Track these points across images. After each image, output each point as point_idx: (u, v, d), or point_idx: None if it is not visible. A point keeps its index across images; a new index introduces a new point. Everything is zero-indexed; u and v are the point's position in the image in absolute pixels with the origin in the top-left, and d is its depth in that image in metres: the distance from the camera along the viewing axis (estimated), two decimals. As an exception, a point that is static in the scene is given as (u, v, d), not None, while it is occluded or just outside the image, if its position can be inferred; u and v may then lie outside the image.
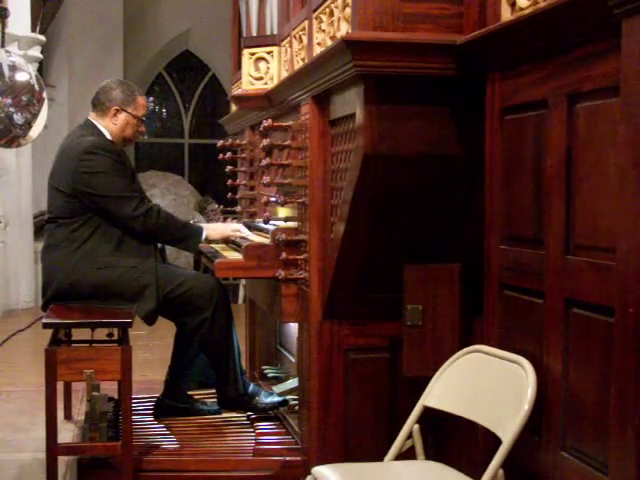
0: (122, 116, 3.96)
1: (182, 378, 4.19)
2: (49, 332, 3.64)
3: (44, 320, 3.55)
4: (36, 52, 7.95)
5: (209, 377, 4.20)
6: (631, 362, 1.84)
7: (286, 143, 3.40)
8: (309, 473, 2.60)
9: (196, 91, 11.38)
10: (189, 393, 4.24)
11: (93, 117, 3.99)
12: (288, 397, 3.99)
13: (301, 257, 3.31)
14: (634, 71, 1.79)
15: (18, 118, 7.14)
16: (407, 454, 2.62)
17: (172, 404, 4.13)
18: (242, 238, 3.95)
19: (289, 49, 3.65)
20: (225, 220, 4.68)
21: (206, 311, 3.84)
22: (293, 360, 4.08)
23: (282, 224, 3.59)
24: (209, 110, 11.29)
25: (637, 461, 1.83)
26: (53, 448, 3.38)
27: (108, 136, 3.94)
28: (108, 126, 3.96)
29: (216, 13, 9.56)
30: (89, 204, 3.81)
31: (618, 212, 1.89)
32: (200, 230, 3.99)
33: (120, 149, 3.98)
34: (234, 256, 3.74)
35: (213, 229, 4.06)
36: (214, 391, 4.16)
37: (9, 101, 7.04)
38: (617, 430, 1.90)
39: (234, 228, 4.08)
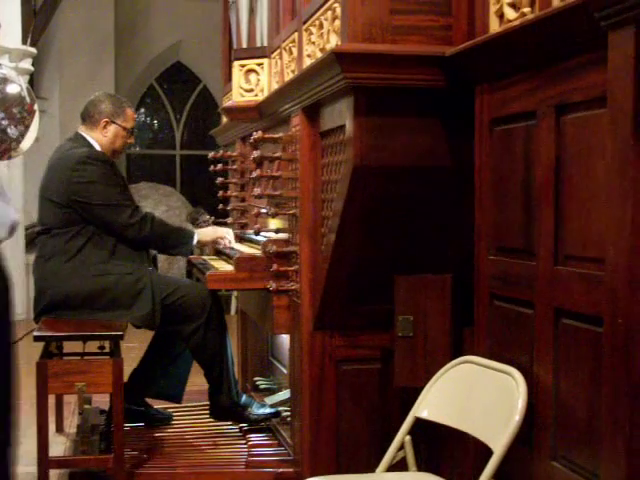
0: (112, 128, 3.99)
1: (148, 383, 4.19)
2: (41, 345, 3.63)
3: (35, 333, 3.54)
4: (27, 64, 7.94)
5: (175, 393, 4.23)
6: (620, 372, 1.84)
7: (276, 155, 3.41)
8: (301, 485, 2.60)
9: (187, 103, 11.39)
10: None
11: (83, 130, 4.02)
12: (280, 408, 3.98)
13: (292, 269, 3.32)
14: (620, 83, 1.80)
15: (12, 132, 7.12)
16: (399, 465, 2.62)
17: (127, 407, 4.12)
18: (232, 249, 3.97)
19: (279, 61, 3.66)
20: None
21: (200, 319, 3.84)
22: (285, 371, 4.08)
23: (273, 236, 3.60)
24: (200, 122, 11.30)
25: (627, 471, 1.83)
26: (45, 462, 3.37)
27: (98, 147, 3.97)
28: (98, 138, 3.99)
29: (207, 25, 9.56)
30: (83, 214, 3.82)
31: (606, 223, 1.90)
32: (192, 234, 4.07)
33: (111, 159, 4.00)
34: (225, 268, 3.75)
35: (204, 232, 4.18)
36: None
37: (1, 115, 7.03)
38: (607, 440, 1.90)
39: (223, 231, 4.18)
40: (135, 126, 4.17)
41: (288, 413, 3.76)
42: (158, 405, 4.32)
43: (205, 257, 4.28)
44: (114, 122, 3.99)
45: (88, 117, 4.01)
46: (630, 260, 1.81)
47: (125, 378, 3.47)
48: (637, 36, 1.75)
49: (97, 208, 3.82)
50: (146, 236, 3.90)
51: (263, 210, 3.60)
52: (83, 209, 3.82)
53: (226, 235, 4.14)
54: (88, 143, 3.97)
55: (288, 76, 3.47)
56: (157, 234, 3.94)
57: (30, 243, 8.03)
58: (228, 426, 4.08)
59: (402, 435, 2.59)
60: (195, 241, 4.03)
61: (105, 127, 3.99)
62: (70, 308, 3.78)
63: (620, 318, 1.83)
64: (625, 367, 1.83)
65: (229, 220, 4.81)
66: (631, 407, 1.82)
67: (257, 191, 3.52)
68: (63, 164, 3.88)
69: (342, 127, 2.79)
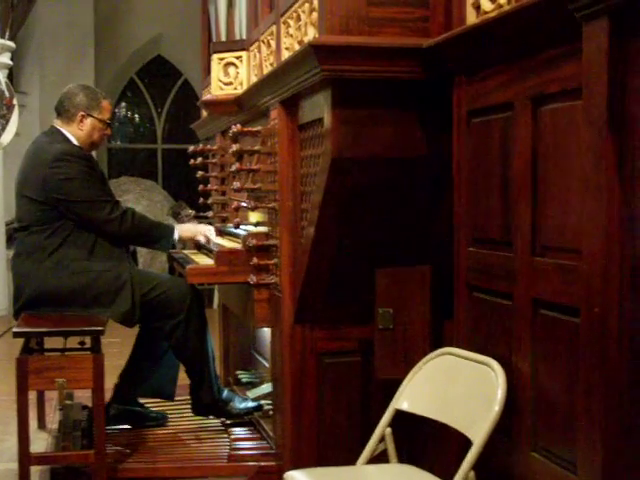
0: (88, 121, 3.95)
1: (138, 383, 4.18)
2: (21, 341, 3.61)
3: (15, 329, 3.52)
4: (6, 59, 7.89)
5: (167, 390, 4.23)
6: (597, 362, 1.85)
7: (256, 148, 3.40)
8: (283, 478, 2.60)
9: (168, 96, 11.34)
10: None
11: (59, 124, 3.97)
12: (262, 402, 3.98)
13: (272, 262, 3.31)
14: (594, 74, 1.81)
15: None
16: (380, 457, 2.63)
17: (122, 408, 4.12)
18: (213, 243, 3.96)
19: (258, 54, 3.65)
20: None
21: (179, 315, 3.83)
22: (267, 365, 4.08)
23: (253, 229, 3.59)
24: (182, 115, 11.24)
25: (604, 460, 1.85)
26: (26, 458, 3.35)
27: (75, 142, 3.92)
28: (75, 132, 3.94)
29: (187, 18, 9.52)
30: (63, 211, 3.79)
31: (582, 214, 1.90)
32: (172, 229, 4.05)
33: (89, 154, 3.97)
34: (206, 262, 3.74)
35: (185, 228, 4.18)
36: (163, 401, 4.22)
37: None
38: (584, 430, 1.91)
39: (205, 229, 4.16)
40: (114, 119, 4.16)
41: (270, 406, 3.76)
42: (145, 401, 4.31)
43: (186, 251, 4.27)
44: (90, 115, 3.95)
45: (64, 111, 3.96)
46: (605, 250, 1.82)
47: (107, 374, 3.44)
48: (611, 28, 1.75)
49: (76, 205, 3.79)
50: (126, 231, 3.88)
51: (243, 204, 3.59)
52: (62, 206, 3.79)
53: (206, 232, 4.12)
54: (65, 138, 3.92)
55: (267, 69, 3.47)
56: (137, 229, 3.92)
57: (10, 239, 7.99)
58: (210, 420, 4.08)
59: (382, 427, 2.60)
60: (176, 236, 4.01)
61: (81, 121, 3.94)
62: (49, 305, 3.76)
63: (596, 307, 1.84)
64: (600, 357, 1.84)
65: (210, 214, 4.80)
66: (606, 397, 1.83)
67: (236, 185, 3.51)
68: (40, 161, 3.84)
69: (320, 120, 2.78)
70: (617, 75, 1.77)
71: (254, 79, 3.71)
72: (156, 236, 4.01)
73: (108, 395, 3.51)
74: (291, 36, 3.08)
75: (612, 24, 1.75)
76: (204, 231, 4.13)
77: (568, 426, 2.07)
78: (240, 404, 3.98)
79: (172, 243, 4.06)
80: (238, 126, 3.44)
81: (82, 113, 3.94)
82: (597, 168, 1.82)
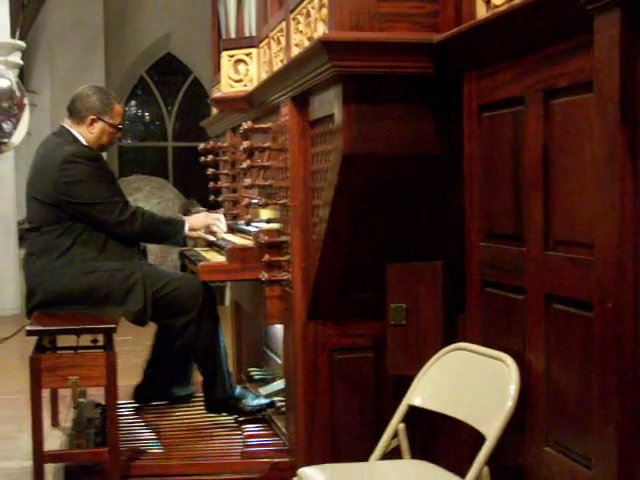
0: (99, 125, 3.95)
1: (161, 388, 4.25)
2: (34, 339, 3.63)
3: (28, 328, 3.54)
4: (16, 58, 7.89)
5: (186, 394, 4.33)
6: (611, 357, 1.84)
7: (266, 145, 3.40)
8: (296, 475, 2.60)
9: (178, 94, 11.35)
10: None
11: (69, 124, 3.98)
12: (275, 399, 3.99)
13: (284, 259, 3.31)
14: (606, 67, 1.80)
15: (7, 127, 7.11)
16: (393, 453, 2.63)
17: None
18: (224, 240, 3.95)
19: (268, 51, 3.65)
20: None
21: (191, 312, 3.83)
22: (279, 362, 4.08)
23: (264, 226, 3.59)
24: (192, 113, 11.25)
25: (619, 455, 1.84)
26: (40, 456, 3.37)
27: (84, 142, 3.93)
28: (84, 134, 3.95)
29: (197, 16, 9.52)
30: (73, 213, 3.80)
31: (595, 207, 1.89)
32: (182, 223, 4.03)
33: (99, 155, 3.97)
34: (217, 259, 3.74)
35: (195, 218, 4.14)
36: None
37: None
38: (599, 424, 1.90)
39: (214, 217, 4.13)
40: (125, 119, 4.15)
41: (283, 403, 3.76)
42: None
43: (197, 249, 4.27)
44: (101, 119, 3.95)
45: (75, 112, 3.96)
46: (618, 244, 1.81)
47: (120, 372, 3.45)
48: (623, 20, 1.74)
49: (86, 207, 3.80)
50: (137, 231, 3.89)
51: (254, 200, 3.59)
52: (72, 208, 3.80)
53: (217, 221, 4.10)
54: (74, 138, 3.92)
55: (277, 66, 3.46)
56: (148, 228, 3.92)
57: (22, 238, 8.02)
58: (223, 417, 4.08)
59: (396, 423, 2.60)
60: (186, 229, 4.00)
61: (92, 124, 3.94)
62: (61, 305, 3.77)
63: (609, 302, 1.83)
64: (615, 351, 1.83)
65: (221, 211, 4.80)
66: (621, 391, 1.82)
67: (247, 181, 3.51)
68: (50, 162, 3.84)
69: (331, 116, 2.78)
70: (629, 66, 1.76)
71: (264, 76, 3.71)
72: (167, 232, 4.01)
73: (121, 392, 3.52)
74: (301, 32, 3.07)
75: (624, 16, 1.74)
76: (215, 220, 4.10)
77: (582, 421, 2.06)
78: (253, 401, 3.99)
79: (184, 236, 4.04)
80: (249, 123, 3.44)
81: (93, 117, 3.93)
82: (610, 160, 1.81)
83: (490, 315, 2.52)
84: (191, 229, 4.03)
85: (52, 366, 3.38)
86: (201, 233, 4.05)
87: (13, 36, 7.85)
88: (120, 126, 4.05)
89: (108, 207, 3.83)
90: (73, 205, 3.79)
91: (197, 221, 4.08)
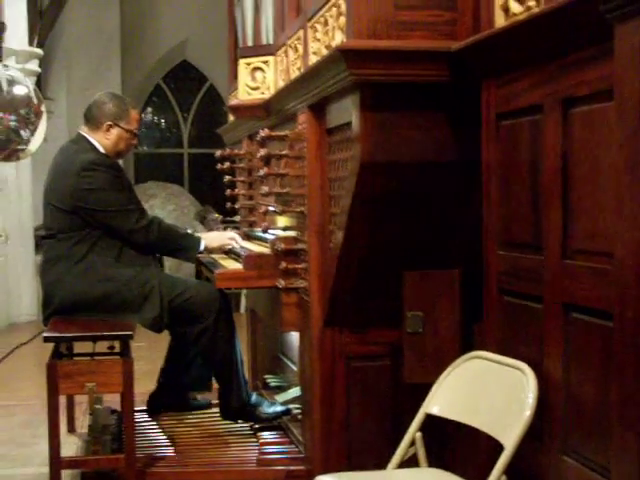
0: (115, 131, 3.97)
1: (179, 394, 4.26)
2: (51, 345, 3.64)
3: (45, 334, 3.55)
4: (34, 65, 7.96)
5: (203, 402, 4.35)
6: (631, 366, 1.83)
7: (283, 152, 3.41)
8: (312, 483, 2.60)
9: (194, 101, 11.40)
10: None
11: (85, 131, 4.00)
12: (291, 406, 3.98)
13: (301, 266, 3.31)
14: (627, 75, 1.79)
15: (25, 134, 7.14)
16: (410, 462, 2.62)
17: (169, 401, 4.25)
18: (241, 247, 3.96)
19: (285, 58, 3.65)
20: (225, 230, 4.69)
21: (208, 320, 3.84)
22: (295, 369, 4.08)
23: (281, 233, 3.60)
24: (208, 120, 11.30)
25: (639, 465, 1.83)
26: (56, 462, 3.38)
27: (102, 150, 3.95)
28: (101, 141, 3.97)
29: (213, 23, 9.57)
30: (90, 220, 3.82)
31: (614, 215, 1.89)
32: (199, 240, 4.04)
33: (116, 162, 3.99)
34: (234, 266, 3.75)
35: (211, 238, 4.13)
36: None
37: (13, 117, 7.04)
38: (618, 434, 1.89)
39: (230, 236, 4.14)
40: (141, 126, 4.17)
41: (299, 410, 3.76)
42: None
43: (214, 255, 4.28)
44: (117, 125, 3.96)
45: (91, 118, 3.98)
46: (638, 254, 1.80)
47: (136, 378, 3.46)
48: (643, 28, 1.74)
49: (103, 214, 3.82)
50: (153, 241, 3.91)
51: (271, 208, 3.60)
52: (89, 215, 3.82)
53: (233, 241, 4.09)
54: (91, 146, 3.94)
55: (294, 73, 3.47)
56: (164, 239, 3.94)
57: (39, 244, 8.06)
58: (239, 424, 4.08)
59: (413, 431, 2.59)
60: (202, 247, 4.01)
61: (108, 130, 3.96)
62: (78, 312, 3.79)
63: (629, 311, 1.82)
64: (635, 361, 1.82)
65: (237, 218, 4.81)
66: (641, 401, 1.81)
67: (264, 189, 3.51)
68: (67, 170, 3.86)
69: (348, 124, 2.78)
70: (650, 75, 1.76)
71: (281, 84, 3.71)
72: (181, 246, 4.01)
73: (137, 399, 3.53)
74: (318, 40, 3.08)
75: (645, 25, 1.74)
76: (229, 239, 4.11)
77: (601, 430, 2.05)
78: (269, 408, 3.98)
79: (196, 255, 4.06)
80: (266, 130, 3.44)
81: (109, 123, 3.95)
82: (629, 167, 1.80)
83: (508, 323, 2.51)
84: (206, 249, 4.05)
85: (69, 373, 3.39)
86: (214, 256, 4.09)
87: (31, 44, 7.92)
88: (136, 132, 4.07)
89: (125, 214, 3.85)
90: (90, 212, 3.81)
91: (214, 242, 4.08)
